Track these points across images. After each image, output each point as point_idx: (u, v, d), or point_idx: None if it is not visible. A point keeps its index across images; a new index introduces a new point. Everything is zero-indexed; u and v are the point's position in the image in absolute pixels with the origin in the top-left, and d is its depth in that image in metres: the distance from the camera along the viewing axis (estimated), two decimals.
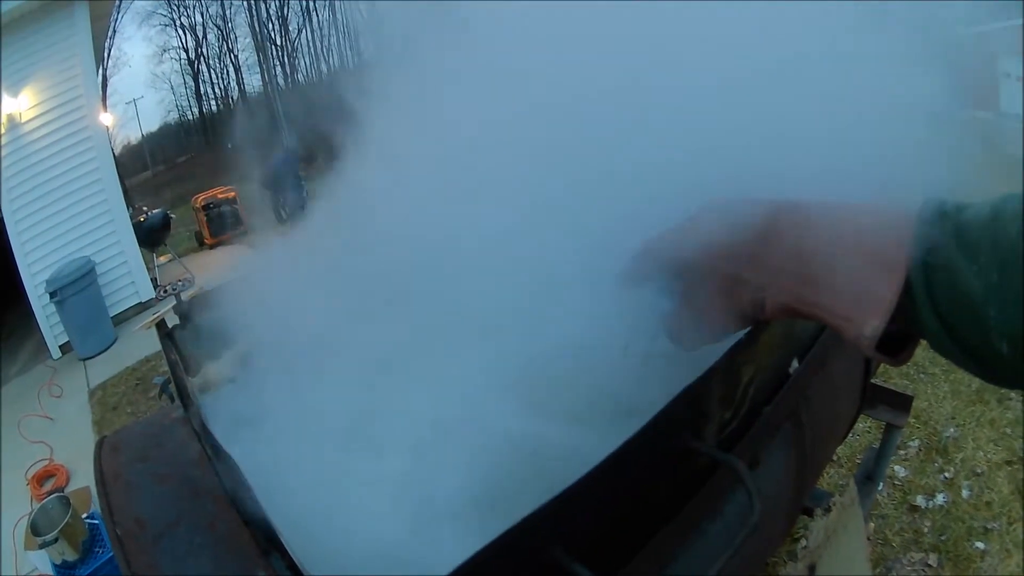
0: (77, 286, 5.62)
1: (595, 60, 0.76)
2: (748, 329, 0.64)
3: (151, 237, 7.85)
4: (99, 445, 0.87)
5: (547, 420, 0.58)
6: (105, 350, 5.79)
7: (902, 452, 2.39)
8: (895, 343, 0.48)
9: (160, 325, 1.14)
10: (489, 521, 0.48)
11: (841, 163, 0.55)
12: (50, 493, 3.17)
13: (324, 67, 20.26)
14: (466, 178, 0.78)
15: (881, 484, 1.88)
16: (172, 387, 1.02)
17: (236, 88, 21.02)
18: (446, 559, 0.47)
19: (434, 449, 0.60)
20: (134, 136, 19.52)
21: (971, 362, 0.44)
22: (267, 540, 0.64)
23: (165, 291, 6.44)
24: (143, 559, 0.71)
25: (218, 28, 20.36)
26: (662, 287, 0.62)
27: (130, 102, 19.23)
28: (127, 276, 6.45)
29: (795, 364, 0.87)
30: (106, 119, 6.92)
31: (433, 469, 0.60)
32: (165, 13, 19.64)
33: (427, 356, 0.70)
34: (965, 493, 2.16)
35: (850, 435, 1.85)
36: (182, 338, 1.13)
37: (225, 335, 0.91)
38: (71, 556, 2.48)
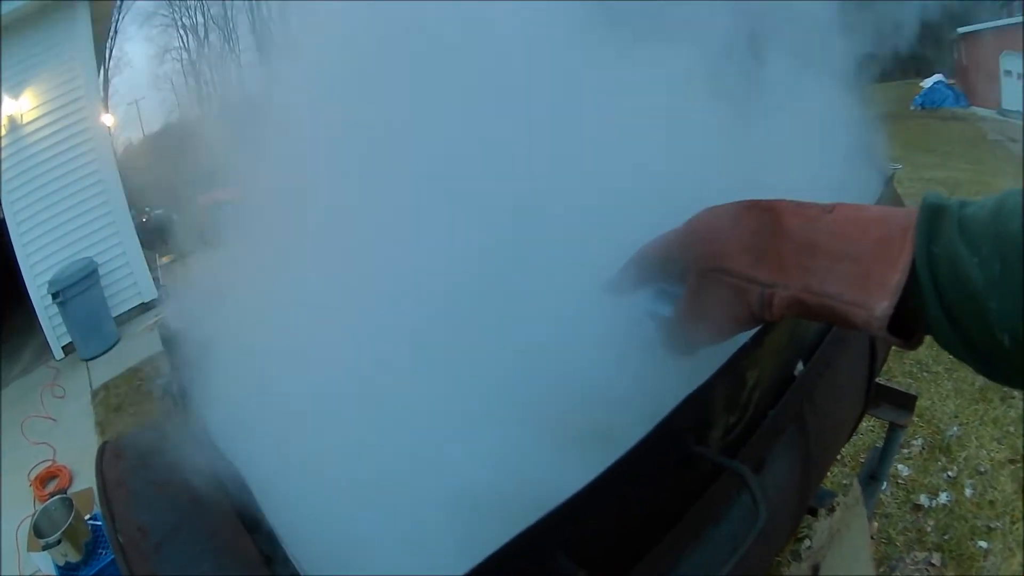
0: (80, 287, 5.63)
1: None
2: (753, 332, 0.64)
3: (154, 238, 7.85)
4: (100, 451, 0.87)
5: (546, 428, 0.58)
6: (108, 351, 5.79)
7: (905, 451, 2.38)
8: (905, 330, 0.48)
9: (162, 326, 1.14)
10: (492, 529, 0.48)
11: None
12: (53, 494, 3.17)
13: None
14: (456, 177, 0.77)
15: (885, 483, 1.87)
16: (175, 390, 1.02)
17: (238, 88, 21.06)
18: (450, 568, 0.46)
19: (434, 457, 0.60)
20: (136, 137, 19.56)
21: (973, 355, 0.44)
22: (269, 547, 0.64)
23: (168, 292, 6.44)
24: (145, 566, 0.71)
25: (220, 28, 20.39)
26: (659, 292, 0.61)
27: (132, 103, 19.27)
28: (130, 277, 6.46)
29: (800, 366, 0.86)
30: (108, 120, 6.92)
31: (435, 477, 0.60)
32: (166, 14, 19.69)
33: (424, 362, 0.69)
34: (968, 492, 2.16)
35: (854, 434, 1.85)
36: (184, 340, 1.13)
37: (225, 339, 0.90)
38: (74, 558, 2.48)
